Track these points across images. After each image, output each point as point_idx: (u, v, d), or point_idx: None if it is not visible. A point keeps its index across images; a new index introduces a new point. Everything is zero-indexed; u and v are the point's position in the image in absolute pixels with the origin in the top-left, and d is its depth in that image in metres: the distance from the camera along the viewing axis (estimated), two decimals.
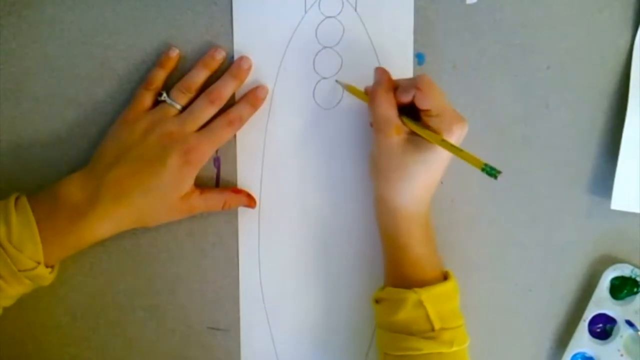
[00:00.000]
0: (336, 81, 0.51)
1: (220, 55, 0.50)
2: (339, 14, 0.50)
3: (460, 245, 0.53)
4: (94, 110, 0.51)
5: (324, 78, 0.51)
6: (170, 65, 0.50)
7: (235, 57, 0.50)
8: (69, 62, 0.50)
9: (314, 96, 0.51)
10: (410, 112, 0.46)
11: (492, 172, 0.40)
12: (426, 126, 0.44)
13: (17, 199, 0.46)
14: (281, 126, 0.51)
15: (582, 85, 0.51)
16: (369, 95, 0.47)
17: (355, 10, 0.50)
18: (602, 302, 0.52)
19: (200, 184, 0.50)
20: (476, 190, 0.52)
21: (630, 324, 0.52)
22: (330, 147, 0.52)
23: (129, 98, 0.50)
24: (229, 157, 0.52)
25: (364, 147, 0.51)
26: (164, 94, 0.49)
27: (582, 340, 0.52)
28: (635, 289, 0.52)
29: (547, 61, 0.51)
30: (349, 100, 0.51)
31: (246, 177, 0.52)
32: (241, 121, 0.49)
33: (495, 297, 0.53)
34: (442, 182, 0.52)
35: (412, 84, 0.45)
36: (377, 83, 0.47)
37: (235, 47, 0.50)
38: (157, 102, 0.49)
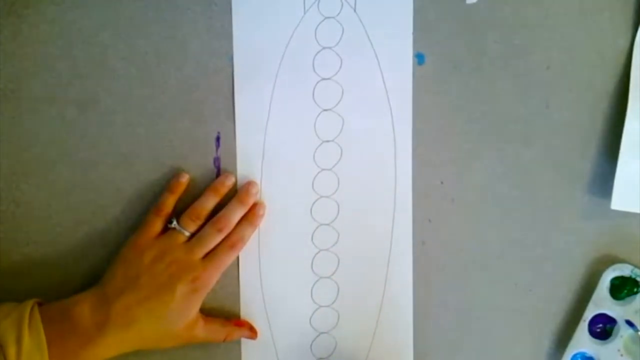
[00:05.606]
0: None
1: (230, 182, 0.51)
2: (338, 14, 0.50)
3: (460, 245, 0.53)
4: (94, 110, 0.51)
5: (324, 79, 0.51)
6: (180, 190, 0.50)
7: (235, 57, 0.50)
8: (69, 62, 0.50)
9: (313, 96, 0.51)
10: None
11: None
12: None
13: (30, 312, 0.45)
14: (281, 126, 0.51)
15: (582, 85, 0.51)
16: None
17: (355, 10, 0.50)
18: (602, 302, 0.52)
19: (200, 183, 0.51)
20: (476, 190, 0.52)
21: (630, 324, 0.52)
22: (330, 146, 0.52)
23: (128, 98, 0.50)
24: (229, 157, 0.52)
25: (366, 142, 0.51)
26: (174, 222, 0.49)
27: (582, 340, 0.52)
28: (635, 289, 0.52)
29: (547, 61, 0.51)
30: (349, 100, 0.51)
31: (246, 177, 0.52)
32: (243, 242, 0.51)
33: (495, 297, 0.53)
34: (442, 182, 0.52)
35: None
36: None
37: (235, 47, 0.50)
38: (166, 227, 0.50)
